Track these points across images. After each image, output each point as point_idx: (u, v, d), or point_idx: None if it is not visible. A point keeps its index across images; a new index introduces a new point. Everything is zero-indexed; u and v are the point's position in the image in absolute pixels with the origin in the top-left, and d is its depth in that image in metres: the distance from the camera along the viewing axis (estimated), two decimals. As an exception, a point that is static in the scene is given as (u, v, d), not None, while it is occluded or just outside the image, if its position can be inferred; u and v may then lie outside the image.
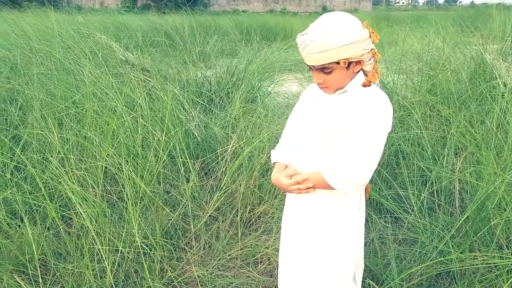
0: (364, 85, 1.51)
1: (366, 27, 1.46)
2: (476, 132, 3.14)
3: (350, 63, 1.45)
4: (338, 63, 1.42)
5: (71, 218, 2.79)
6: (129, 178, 2.69)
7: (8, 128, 3.36)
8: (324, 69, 1.46)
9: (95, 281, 2.30)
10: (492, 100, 3.56)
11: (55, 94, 3.53)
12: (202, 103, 4.54)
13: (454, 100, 3.78)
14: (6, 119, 3.64)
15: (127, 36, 6.73)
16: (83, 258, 2.41)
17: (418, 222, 2.61)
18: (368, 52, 1.46)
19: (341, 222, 1.64)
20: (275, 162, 1.76)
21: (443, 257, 2.31)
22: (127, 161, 2.94)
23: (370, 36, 1.45)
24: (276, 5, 30.90)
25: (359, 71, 1.51)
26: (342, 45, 1.37)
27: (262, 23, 12.67)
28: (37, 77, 3.63)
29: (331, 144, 1.57)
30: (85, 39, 4.81)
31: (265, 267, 2.63)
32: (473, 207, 2.36)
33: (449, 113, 3.44)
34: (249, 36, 8.29)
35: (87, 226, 2.44)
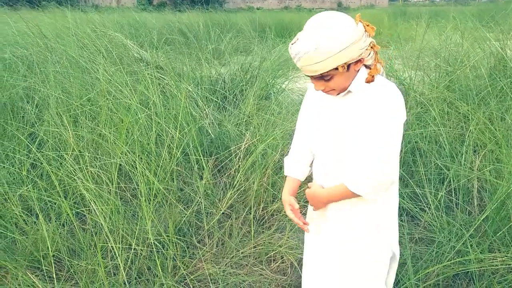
0: (368, 81, 1.44)
1: (360, 21, 1.37)
2: (496, 129, 3.06)
3: (349, 65, 1.39)
4: (336, 68, 1.36)
5: (85, 215, 2.81)
6: (142, 176, 2.70)
7: (24, 126, 3.40)
8: (323, 77, 1.40)
9: (107, 278, 2.31)
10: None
11: (71, 92, 3.56)
12: (216, 100, 4.53)
13: (473, 96, 3.69)
14: (23, 117, 3.69)
15: (142, 34, 6.78)
16: (97, 255, 2.42)
17: (435, 221, 2.55)
18: (366, 49, 1.39)
19: (373, 223, 1.59)
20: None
21: (461, 257, 2.25)
22: (141, 158, 2.94)
23: (365, 31, 1.37)
24: (291, 2, 30.71)
25: (360, 68, 1.45)
26: (336, 52, 1.31)
27: (277, 20, 12.60)
28: (53, 75, 3.66)
29: (344, 149, 1.53)
30: (100, 38, 4.84)
31: (278, 265, 2.60)
32: (493, 206, 2.30)
33: (468, 110, 3.35)
34: (263, 33, 8.26)
35: (101, 223, 2.45)
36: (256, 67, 5.25)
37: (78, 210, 2.65)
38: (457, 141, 3.35)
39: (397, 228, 1.69)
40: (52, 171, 2.71)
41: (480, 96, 3.69)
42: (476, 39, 5.00)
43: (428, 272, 2.24)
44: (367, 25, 1.38)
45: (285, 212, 2.68)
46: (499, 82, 3.82)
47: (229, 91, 4.89)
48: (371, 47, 1.41)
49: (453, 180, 2.90)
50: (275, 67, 5.23)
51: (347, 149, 1.52)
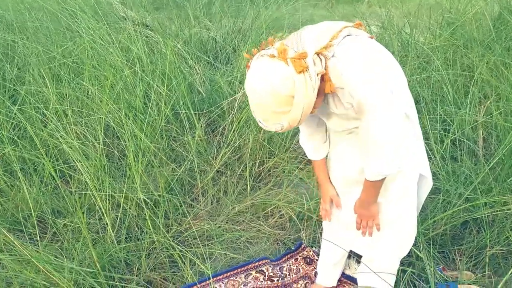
0: (329, 91, 1.31)
1: (286, 62, 1.22)
2: (502, 76, 2.90)
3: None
4: None
5: (71, 177, 2.65)
6: (129, 132, 2.53)
7: (5, 85, 3.20)
8: None
9: (94, 237, 2.18)
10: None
11: (52, 50, 3.34)
12: (208, 59, 4.32)
13: (477, 45, 3.50)
14: (3, 78, 3.47)
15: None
16: (84, 217, 2.28)
17: (441, 170, 2.41)
18: (318, 73, 1.25)
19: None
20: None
21: (471, 206, 2.12)
22: (127, 116, 2.76)
23: (302, 71, 1.21)
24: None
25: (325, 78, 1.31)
26: (299, 117, 1.26)
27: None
28: (32, 32, 3.43)
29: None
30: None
31: (276, 221, 2.47)
32: (504, 151, 2.15)
33: (472, 57, 3.17)
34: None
35: (85, 181, 2.30)
36: (249, 25, 5.01)
37: (61, 168, 2.47)
38: (462, 91, 3.18)
39: (423, 150, 1.58)
40: (32, 130, 2.55)
41: (484, 44, 3.49)
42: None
43: (435, 221, 2.11)
44: (298, 63, 1.22)
45: (284, 166, 2.56)
46: (503, 32, 3.63)
47: (220, 50, 4.66)
48: (318, 55, 1.28)
49: (458, 130, 2.74)
50: (269, 23, 4.98)
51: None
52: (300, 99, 1.22)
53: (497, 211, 2.01)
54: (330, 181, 1.74)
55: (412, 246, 1.70)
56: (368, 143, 1.35)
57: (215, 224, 2.41)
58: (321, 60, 1.28)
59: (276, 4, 6.11)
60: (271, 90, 1.22)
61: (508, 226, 2.02)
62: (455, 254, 2.12)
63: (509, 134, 2.19)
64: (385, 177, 1.44)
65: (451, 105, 2.90)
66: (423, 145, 1.59)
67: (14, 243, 1.91)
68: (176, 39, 4.20)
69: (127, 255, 2.14)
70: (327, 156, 1.74)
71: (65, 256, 2.03)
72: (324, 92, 1.32)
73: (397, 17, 4.51)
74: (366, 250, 1.72)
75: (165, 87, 2.90)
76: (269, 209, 2.52)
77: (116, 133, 2.84)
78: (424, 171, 1.58)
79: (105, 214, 2.17)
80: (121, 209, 2.31)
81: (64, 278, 1.74)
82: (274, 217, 2.48)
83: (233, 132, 2.90)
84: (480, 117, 2.71)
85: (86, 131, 2.72)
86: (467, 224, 2.21)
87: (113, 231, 2.19)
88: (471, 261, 2.06)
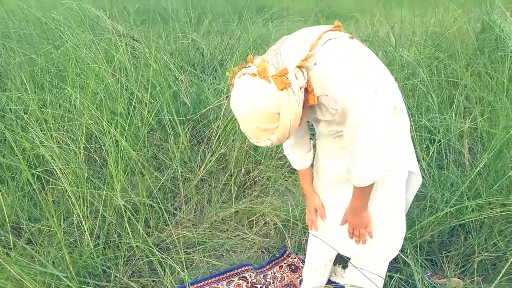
0: (313, 103, 1.30)
1: (268, 80, 1.20)
2: (487, 86, 2.92)
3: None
4: None
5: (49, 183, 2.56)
6: (111, 138, 2.46)
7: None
8: None
9: (71, 244, 2.09)
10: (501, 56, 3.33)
11: (35, 57, 3.29)
12: (194, 71, 4.30)
13: (461, 58, 3.53)
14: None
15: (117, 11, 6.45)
16: (59, 220, 2.19)
17: (428, 177, 2.39)
18: (300, 89, 1.24)
19: None
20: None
21: (457, 210, 2.09)
22: (110, 122, 2.70)
23: (285, 88, 1.20)
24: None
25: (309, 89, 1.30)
26: (287, 131, 1.26)
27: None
28: (16, 39, 3.39)
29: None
30: (68, 6, 4.55)
31: (261, 229, 2.41)
32: (489, 155, 2.14)
33: (457, 67, 3.19)
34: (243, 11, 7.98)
35: (63, 186, 2.22)
36: (237, 38, 5.04)
37: (38, 173, 2.39)
38: (447, 101, 3.19)
39: (412, 147, 1.55)
40: (11, 137, 2.47)
41: (468, 56, 3.53)
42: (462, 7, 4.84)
43: (422, 227, 2.07)
44: (279, 80, 1.21)
45: (269, 176, 2.52)
46: (486, 47, 3.68)
47: (208, 64, 4.66)
48: (299, 68, 1.27)
49: (444, 137, 2.73)
50: (256, 38, 5.01)
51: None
52: (286, 115, 1.22)
53: (483, 215, 1.97)
54: (315, 191, 1.72)
55: (400, 252, 1.65)
56: (353, 147, 1.32)
57: (198, 232, 2.33)
58: (303, 73, 1.26)
59: (263, 20, 6.19)
60: (255, 109, 1.22)
61: (495, 231, 1.99)
62: (443, 261, 2.07)
63: (494, 139, 2.17)
64: (373, 184, 1.40)
65: (436, 113, 2.90)
66: (411, 141, 1.57)
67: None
68: (162, 51, 4.19)
69: (104, 261, 2.05)
70: (313, 160, 1.71)
71: (39, 262, 1.93)
72: (309, 103, 1.31)
73: (382, 32, 4.57)
74: (354, 251, 1.67)
75: (149, 94, 2.86)
76: (254, 217, 2.46)
77: (99, 140, 2.77)
78: (413, 168, 1.55)
79: (82, 219, 2.09)
80: (99, 215, 2.23)
81: (36, 282, 1.64)
82: (259, 225, 2.42)
83: (218, 139, 2.85)
84: (466, 123, 2.71)
85: (67, 137, 2.65)
86: (455, 231, 2.17)
87: (91, 238, 2.11)
88: (459, 268, 2.02)
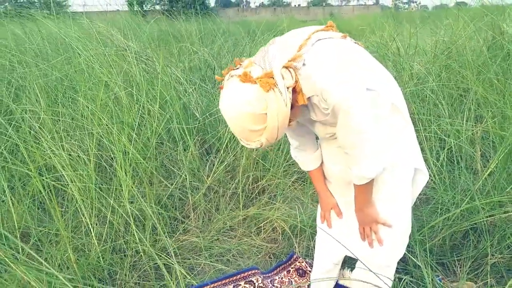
0: (303, 103, 1.30)
1: (253, 82, 1.22)
2: (500, 93, 2.88)
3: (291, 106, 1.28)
4: None
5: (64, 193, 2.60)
6: (120, 146, 2.49)
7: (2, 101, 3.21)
8: None
9: (74, 243, 2.10)
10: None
11: (50, 72, 3.38)
12: (205, 86, 4.36)
13: (471, 66, 3.51)
14: (1, 100, 3.50)
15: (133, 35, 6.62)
16: (67, 228, 2.21)
17: (439, 180, 2.34)
18: (287, 89, 1.24)
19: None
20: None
21: (468, 212, 2.04)
22: (120, 132, 2.74)
23: (271, 88, 1.21)
24: (284, 15, 30.95)
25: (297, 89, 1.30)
26: (276, 132, 1.26)
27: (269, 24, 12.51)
28: (31, 56, 3.49)
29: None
30: (85, 28, 4.71)
31: (269, 235, 2.38)
32: (500, 156, 2.09)
33: (468, 75, 3.17)
34: (254, 34, 8.12)
35: (72, 193, 2.24)
36: (247, 55, 5.10)
37: (48, 179, 2.42)
38: (458, 109, 3.16)
39: (417, 145, 1.53)
40: (24, 147, 2.52)
41: (478, 63, 3.50)
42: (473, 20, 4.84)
43: (432, 228, 2.02)
44: (264, 81, 1.22)
45: (278, 182, 2.51)
46: (497, 56, 3.65)
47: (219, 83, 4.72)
48: (287, 68, 1.27)
49: (454, 140, 2.69)
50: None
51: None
52: (273, 115, 1.22)
53: (495, 216, 1.92)
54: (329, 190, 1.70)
55: (410, 254, 1.62)
56: (347, 146, 1.32)
57: (205, 238, 2.32)
58: (290, 73, 1.26)
59: (273, 36, 6.24)
60: (242, 111, 1.22)
61: (508, 233, 1.93)
62: (455, 265, 2.01)
63: (504, 141, 2.13)
64: (373, 179, 1.39)
65: (446, 119, 2.86)
66: (414, 137, 1.55)
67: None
68: (174, 67, 4.27)
69: (111, 266, 2.04)
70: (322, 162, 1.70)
71: (45, 265, 1.94)
72: (298, 104, 1.30)
73: (392, 45, 4.58)
74: (361, 251, 1.64)
75: (158, 104, 2.90)
76: (262, 223, 2.43)
77: (109, 150, 2.81)
78: (418, 165, 1.52)
79: (90, 224, 2.10)
80: (107, 221, 2.23)
81: (42, 284, 1.64)
82: (267, 231, 2.39)
83: (226, 148, 2.86)
84: (478, 128, 2.67)
85: (77, 147, 2.69)
86: (467, 235, 2.12)
87: (98, 244, 2.11)
88: (472, 271, 1.95)
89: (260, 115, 1.22)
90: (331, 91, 1.24)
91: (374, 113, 1.30)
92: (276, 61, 1.27)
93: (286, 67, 1.26)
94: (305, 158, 1.68)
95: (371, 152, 1.31)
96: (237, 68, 1.29)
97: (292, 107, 1.28)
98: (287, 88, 1.24)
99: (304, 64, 1.28)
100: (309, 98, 1.31)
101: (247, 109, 1.21)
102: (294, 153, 1.70)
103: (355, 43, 1.45)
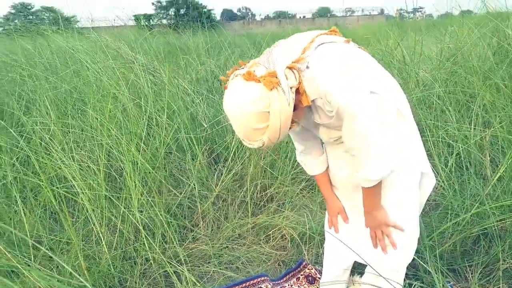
0: (307, 104, 1.32)
1: (257, 80, 1.23)
2: (504, 96, 2.88)
3: (294, 107, 1.29)
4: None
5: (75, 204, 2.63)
6: (129, 156, 2.52)
7: (12, 118, 3.27)
8: None
9: (85, 251, 2.11)
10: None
11: (59, 85, 3.44)
12: (213, 97, 4.39)
13: (477, 72, 3.51)
14: (12, 113, 3.55)
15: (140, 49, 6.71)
16: (79, 235, 2.23)
17: (448, 187, 2.34)
18: (291, 89, 1.26)
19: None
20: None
21: (478, 217, 2.03)
22: (129, 142, 2.78)
23: (274, 87, 1.22)
24: (289, 26, 31.15)
25: (301, 91, 1.32)
26: (278, 132, 1.27)
27: (274, 36, 12.61)
28: (41, 69, 3.56)
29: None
30: (93, 41, 4.78)
31: (278, 243, 2.38)
32: (510, 160, 2.08)
33: (475, 80, 3.17)
34: (260, 46, 8.19)
35: (83, 203, 2.27)
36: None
37: (58, 189, 2.45)
38: (465, 115, 3.15)
39: (423, 148, 1.54)
40: (35, 158, 2.55)
41: (484, 68, 3.50)
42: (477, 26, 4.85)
43: (442, 233, 2.01)
44: (268, 80, 1.23)
45: (286, 190, 2.52)
46: (503, 62, 3.65)
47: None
48: (290, 69, 1.28)
49: (462, 145, 2.68)
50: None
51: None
52: (275, 114, 1.23)
53: (506, 220, 1.91)
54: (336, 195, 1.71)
55: (420, 260, 1.61)
56: (353, 150, 1.33)
57: (214, 246, 2.32)
58: (294, 74, 1.28)
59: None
60: (245, 109, 1.23)
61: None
62: (466, 271, 2.00)
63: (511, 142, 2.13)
64: (381, 182, 1.40)
65: (453, 124, 2.86)
66: (420, 141, 1.56)
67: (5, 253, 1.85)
68: (181, 78, 4.32)
69: (121, 273, 2.06)
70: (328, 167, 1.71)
71: (56, 271, 1.96)
72: (302, 105, 1.32)
73: (397, 52, 4.59)
74: (371, 256, 1.63)
75: (165, 114, 2.93)
76: (271, 231, 2.44)
77: (118, 160, 2.84)
78: (425, 169, 1.53)
79: (100, 233, 2.12)
80: (118, 231, 2.25)
81: (52, 291, 1.66)
82: (276, 239, 2.39)
83: (234, 156, 2.88)
84: (486, 133, 2.66)
85: (87, 158, 2.72)
86: (478, 240, 2.10)
87: (109, 252, 2.13)
88: (484, 277, 1.94)
89: (263, 113, 1.23)
90: (335, 94, 1.26)
91: (379, 118, 1.31)
92: (280, 62, 1.28)
93: (290, 68, 1.28)
94: (310, 163, 1.69)
95: (377, 156, 1.31)
96: (242, 68, 1.31)
97: (295, 108, 1.29)
98: (291, 88, 1.25)
99: (308, 67, 1.30)
100: (313, 101, 1.33)
101: (250, 107, 1.22)
102: (299, 157, 1.72)
103: (359, 47, 1.46)
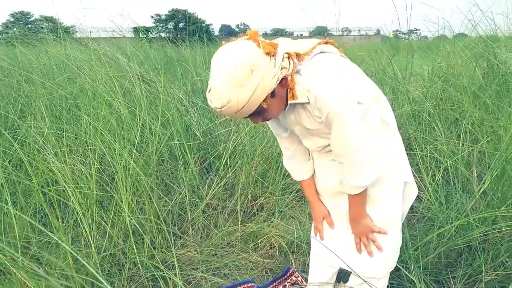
0: (290, 98, 1.34)
1: (258, 43, 1.25)
2: (492, 115, 2.95)
3: (272, 93, 1.27)
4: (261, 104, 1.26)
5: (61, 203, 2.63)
6: (121, 161, 2.55)
7: (6, 121, 3.29)
8: (253, 114, 1.31)
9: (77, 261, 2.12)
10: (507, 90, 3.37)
11: (55, 90, 3.47)
12: (207, 107, 4.44)
13: (467, 92, 3.59)
14: (6, 116, 3.57)
15: (138, 59, 6.78)
16: (68, 236, 2.24)
17: (433, 198, 2.38)
18: (282, 68, 1.26)
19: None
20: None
21: (462, 229, 2.07)
22: (122, 148, 2.80)
23: (270, 54, 1.23)
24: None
25: (291, 85, 1.33)
26: (249, 97, 1.21)
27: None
28: (39, 76, 3.59)
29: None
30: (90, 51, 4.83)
31: (266, 251, 2.40)
32: (494, 173, 2.14)
33: (464, 99, 3.25)
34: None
35: (73, 206, 2.28)
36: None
37: (48, 192, 2.46)
38: (454, 132, 3.22)
39: (406, 159, 1.58)
40: (28, 161, 2.57)
41: (474, 87, 3.58)
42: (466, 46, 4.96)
43: (429, 246, 2.05)
44: (266, 45, 1.25)
45: (275, 200, 2.54)
46: (492, 83, 3.74)
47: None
48: (288, 57, 1.30)
49: (451, 166, 2.74)
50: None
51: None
52: (257, 76, 1.20)
53: (487, 232, 1.95)
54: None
55: (405, 269, 1.64)
56: (340, 156, 1.37)
57: (202, 253, 2.34)
58: (289, 62, 1.30)
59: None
60: (235, 59, 1.21)
61: (502, 250, 1.95)
62: (450, 282, 2.03)
63: (497, 157, 2.18)
64: (366, 190, 1.44)
65: (442, 139, 2.92)
66: (404, 152, 1.60)
67: None
68: (178, 89, 4.37)
69: (109, 276, 2.06)
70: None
71: (43, 271, 1.96)
72: (287, 100, 1.35)
73: (389, 70, 4.69)
74: (355, 262, 1.66)
75: (159, 122, 2.97)
76: (259, 240, 2.46)
77: (111, 165, 2.86)
78: (408, 178, 1.57)
79: (90, 236, 2.13)
80: (107, 235, 2.26)
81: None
82: (265, 248, 2.41)
83: (224, 165, 2.91)
84: (473, 147, 2.72)
85: (80, 162, 2.74)
86: (462, 253, 2.14)
87: (97, 256, 2.13)
88: (467, 288, 1.97)
89: (247, 71, 1.20)
90: (325, 101, 1.29)
91: (365, 126, 1.35)
92: (283, 45, 1.31)
93: (289, 56, 1.30)
94: (297, 168, 1.71)
95: (364, 162, 1.36)
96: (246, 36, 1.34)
97: (274, 93, 1.29)
98: (281, 68, 1.25)
99: (299, 72, 1.33)
100: (302, 104, 1.37)
101: (238, 57, 1.21)
102: (286, 162, 1.74)
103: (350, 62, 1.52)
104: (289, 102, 1.36)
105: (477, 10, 4.52)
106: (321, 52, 1.42)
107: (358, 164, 1.36)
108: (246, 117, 1.32)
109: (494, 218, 2.12)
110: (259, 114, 1.31)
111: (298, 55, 1.33)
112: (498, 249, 1.99)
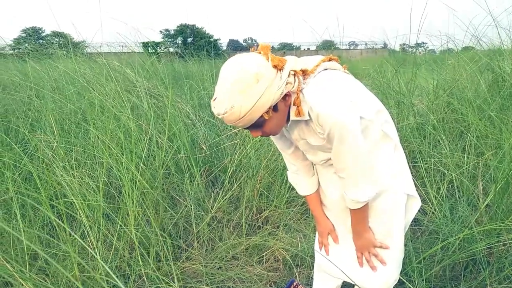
0: (296, 115, 1.37)
1: (267, 56, 1.29)
2: (496, 128, 2.95)
3: (275, 105, 1.30)
4: (263, 116, 1.29)
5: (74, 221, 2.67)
6: (128, 174, 2.59)
7: (17, 135, 3.35)
8: (254, 126, 1.33)
9: (83, 274, 2.15)
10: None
11: (65, 105, 3.54)
12: (214, 121, 4.49)
13: (471, 105, 3.60)
14: (17, 130, 3.65)
15: (146, 74, 6.88)
16: (77, 252, 2.27)
17: (438, 211, 2.38)
18: (287, 84, 1.30)
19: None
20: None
21: (468, 244, 2.06)
22: (129, 162, 2.85)
23: (277, 68, 1.27)
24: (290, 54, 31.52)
25: (291, 100, 1.36)
26: (252, 106, 1.23)
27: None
28: (50, 90, 3.67)
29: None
30: (99, 65, 4.92)
31: (271, 265, 2.41)
32: (498, 187, 2.14)
33: (468, 112, 3.26)
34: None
35: (81, 219, 2.32)
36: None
37: (57, 205, 2.50)
38: (459, 146, 3.22)
39: (408, 171, 1.58)
40: (37, 174, 2.62)
41: (478, 100, 3.59)
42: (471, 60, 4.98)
43: (433, 259, 2.05)
44: (276, 61, 1.29)
45: (280, 213, 2.55)
46: (497, 96, 3.75)
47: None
48: (294, 75, 1.33)
49: (456, 179, 2.75)
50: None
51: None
52: (262, 86, 1.23)
53: (491, 245, 1.95)
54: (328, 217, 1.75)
55: (409, 284, 1.65)
56: (341, 171, 1.40)
57: (207, 266, 2.35)
58: (294, 79, 1.33)
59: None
60: (242, 67, 1.24)
61: (506, 263, 1.95)
62: (455, 296, 2.03)
63: (500, 172, 2.19)
64: (368, 204, 1.46)
65: (446, 152, 2.93)
66: (407, 165, 1.62)
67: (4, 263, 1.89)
68: (185, 103, 4.43)
69: (114, 289, 2.09)
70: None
71: (50, 282, 1.99)
72: (288, 117, 1.38)
73: (394, 84, 4.71)
74: (359, 276, 1.67)
75: (166, 136, 3.01)
76: (264, 253, 2.47)
77: (118, 179, 2.90)
78: (410, 191, 1.58)
79: (96, 248, 2.16)
80: (113, 247, 2.29)
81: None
82: (270, 261, 2.42)
83: (231, 177, 2.94)
84: (477, 160, 2.72)
85: (88, 176, 2.79)
86: (467, 266, 2.13)
87: (103, 268, 2.16)
88: (472, 302, 1.96)
89: (254, 77, 1.23)
90: (326, 118, 1.31)
91: (366, 140, 1.38)
92: (290, 62, 1.34)
93: (295, 73, 1.34)
94: (302, 183, 1.73)
95: (363, 178, 1.38)
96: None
97: (278, 110, 1.32)
98: (286, 84, 1.29)
99: (303, 90, 1.35)
100: (306, 121, 1.40)
101: (245, 66, 1.24)
102: (291, 177, 1.76)
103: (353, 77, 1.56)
104: (292, 119, 1.39)
105: (480, 24, 4.56)
106: (324, 69, 1.45)
107: (357, 179, 1.38)
108: (246, 128, 1.35)
109: (498, 231, 2.12)
110: (259, 126, 1.34)
111: (303, 72, 1.36)
112: (502, 262, 1.99)
